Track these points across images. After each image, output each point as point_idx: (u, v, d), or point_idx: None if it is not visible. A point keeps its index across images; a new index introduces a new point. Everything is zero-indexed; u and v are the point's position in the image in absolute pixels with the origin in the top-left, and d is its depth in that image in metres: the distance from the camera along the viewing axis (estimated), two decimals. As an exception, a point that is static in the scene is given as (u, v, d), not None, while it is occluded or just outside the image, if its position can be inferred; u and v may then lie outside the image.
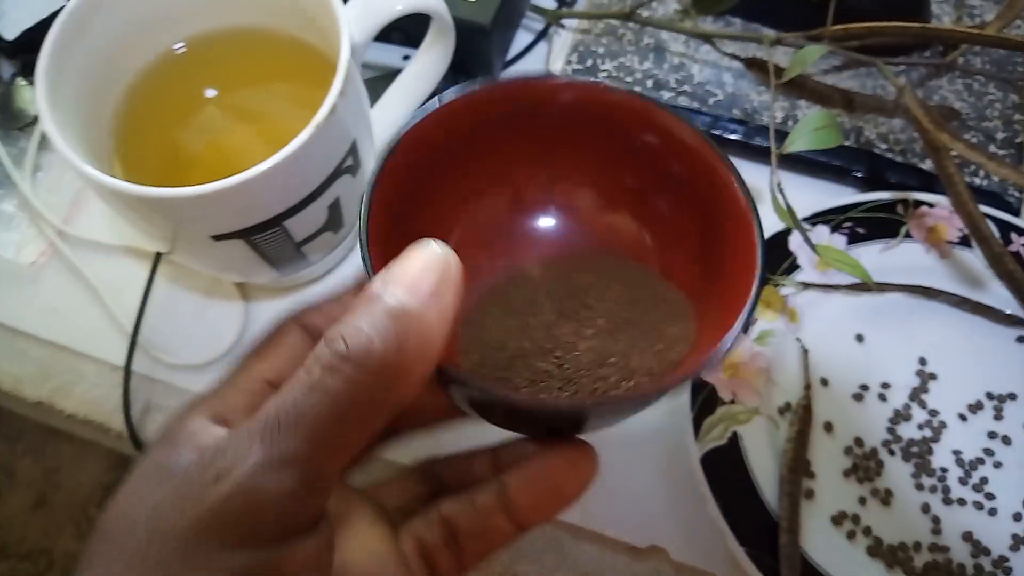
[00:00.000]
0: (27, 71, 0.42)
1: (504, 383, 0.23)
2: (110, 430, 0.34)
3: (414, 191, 0.24)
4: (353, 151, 0.29)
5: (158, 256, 0.35)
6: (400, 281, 0.18)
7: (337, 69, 0.27)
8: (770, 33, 0.37)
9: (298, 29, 0.32)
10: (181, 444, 0.19)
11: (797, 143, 0.29)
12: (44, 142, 0.40)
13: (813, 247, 0.28)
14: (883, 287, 0.34)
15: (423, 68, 0.34)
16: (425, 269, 0.18)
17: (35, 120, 0.41)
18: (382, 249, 0.22)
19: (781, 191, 0.30)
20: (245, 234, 0.28)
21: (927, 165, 0.38)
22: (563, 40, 0.41)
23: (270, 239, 0.29)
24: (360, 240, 0.21)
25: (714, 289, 0.25)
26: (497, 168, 0.26)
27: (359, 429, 0.18)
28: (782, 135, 0.38)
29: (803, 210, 0.35)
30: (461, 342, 0.25)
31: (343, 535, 0.21)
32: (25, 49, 0.41)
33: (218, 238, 0.28)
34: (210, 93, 0.32)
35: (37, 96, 0.27)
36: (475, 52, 0.38)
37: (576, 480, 0.22)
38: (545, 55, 0.43)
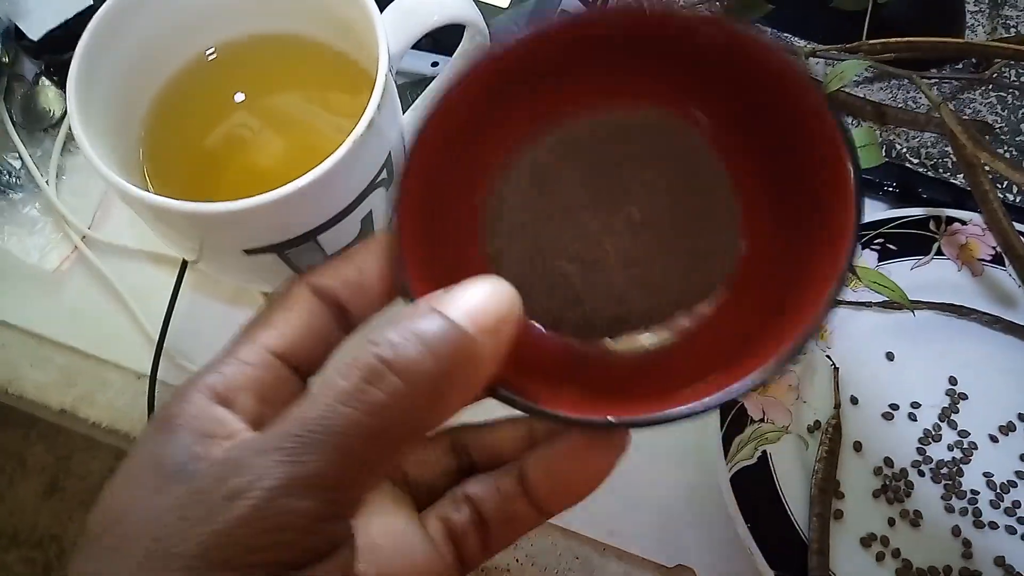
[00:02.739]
0: (51, 71, 0.42)
1: (520, 290, 0.20)
2: (135, 439, 0.34)
3: (447, 159, 0.23)
4: (388, 164, 0.29)
5: (185, 262, 0.35)
6: (462, 306, 0.17)
7: (376, 81, 0.26)
8: (805, 45, 0.37)
9: (331, 36, 0.31)
10: (179, 432, 0.17)
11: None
12: (69, 144, 0.40)
13: (853, 268, 0.28)
14: (915, 305, 0.34)
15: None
16: (490, 301, 0.17)
17: (59, 121, 0.41)
18: (416, 226, 0.21)
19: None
20: (277, 248, 0.28)
21: (959, 180, 0.37)
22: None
23: (302, 252, 0.28)
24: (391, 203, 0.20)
25: (783, 248, 0.22)
26: (543, 106, 0.24)
27: (393, 451, 0.16)
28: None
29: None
30: (487, 218, 0.24)
31: (367, 515, 0.20)
32: (50, 49, 0.41)
33: (250, 252, 0.28)
34: (241, 100, 0.32)
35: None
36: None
37: (598, 467, 0.21)
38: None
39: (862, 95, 0.39)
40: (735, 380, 0.19)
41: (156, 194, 0.30)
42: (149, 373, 0.34)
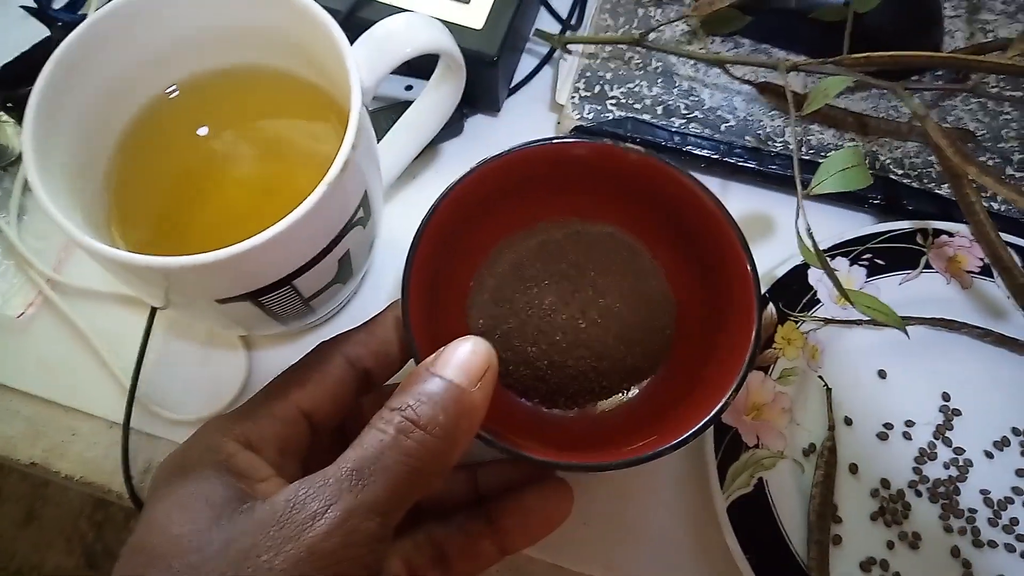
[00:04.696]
0: (8, 106, 0.40)
1: (493, 331, 0.30)
2: (110, 491, 0.33)
3: (445, 241, 0.29)
4: (364, 202, 0.28)
5: (154, 308, 0.34)
6: (455, 364, 0.22)
7: (349, 119, 0.25)
8: (785, 59, 0.36)
9: (299, 67, 0.30)
10: (220, 472, 0.21)
11: (825, 184, 0.28)
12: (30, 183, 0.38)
13: (846, 294, 0.27)
14: (905, 322, 0.34)
15: (431, 105, 0.33)
16: (474, 358, 0.22)
17: (19, 158, 0.39)
18: (420, 304, 0.27)
19: (811, 235, 0.29)
20: (251, 296, 0.26)
21: (944, 190, 0.37)
22: (569, 65, 0.40)
23: (278, 298, 0.27)
24: (403, 302, 0.27)
25: (710, 334, 0.29)
26: (521, 211, 0.32)
27: (424, 485, 0.21)
28: (786, 160, 0.37)
29: (821, 241, 0.34)
30: (471, 300, 0.31)
31: None
32: (6, 84, 0.39)
33: (223, 301, 0.26)
34: (210, 135, 0.31)
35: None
36: (482, 82, 0.37)
37: (558, 511, 0.27)
38: (551, 80, 0.41)
39: (843, 106, 0.39)
40: (669, 438, 0.25)
41: (122, 240, 0.29)
42: (122, 422, 0.33)
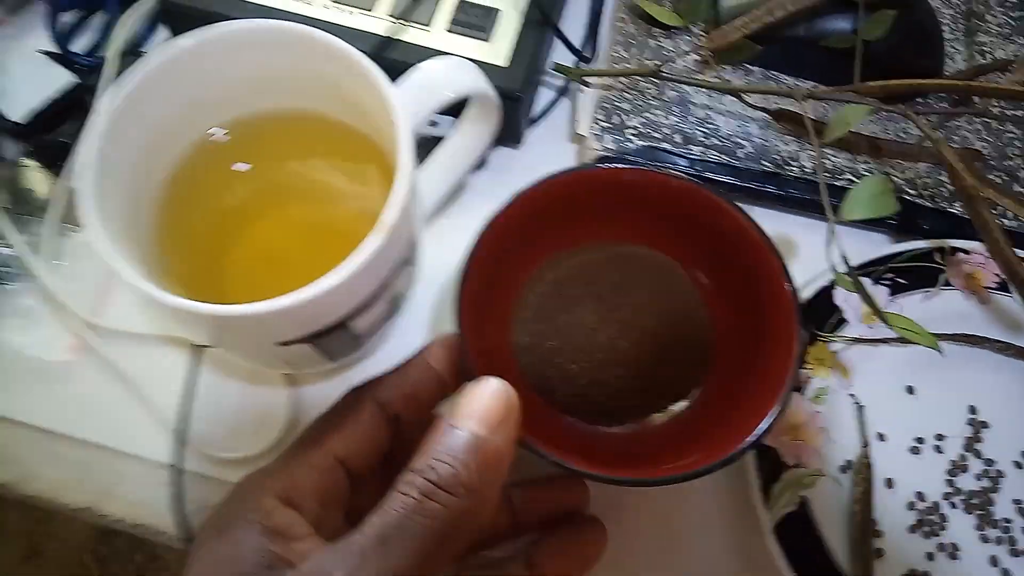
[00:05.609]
0: (34, 151, 0.40)
1: (539, 382, 0.31)
2: (162, 533, 0.33)
3: (491, 265, 0.30)
4: (411, 242, 0.29)
5: (199, 347, 0.34)
6: (472, 415, 0.21)
7: (399, 167, 0.26)
8: (798, 86, 0.38)
9: (341, 112, 0.31)
10: (254, 534, 0.21)
11: (856, 211, 0.30)
12: (62, 228, 0.38)
13: (885, 318, 0.28)
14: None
15: (464, 145, 0.34)
16: (492, 403, 0.22)
17: (48, 204, 0.39)
18: (472, 327, 0.28)
19: (846, 261, 0.30)
20: (310, 339, 0.27)
21: (956, 208, 0.39)
22: (587, 96, 0.41)
23: (332, 338, 0.28)
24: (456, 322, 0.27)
25: (747, 364, 0.30)
26: (563, 233, 0.33)
27: (453, 546, 0.20)
28: (813, 185, 0.39)
29: (841, 262, 0.36)
30: (515, 318, 0.32)
31: None
32: (34, 130, 0.39)
33: (281, 344, 0.27)
34: (253, 179, 0.31)
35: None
36: (506, 117, 0.38)
37: (595, 551, 0.28)
38: (569, 112, 0.43)
39: (855, 129, 0.40)
40: (715, 456, 0.26)
41: (169, 280, 0.29)
42: (168, 462, 0.33)
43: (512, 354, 0.32)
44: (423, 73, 0.29)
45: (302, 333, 0.26)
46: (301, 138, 0.32)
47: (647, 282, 0.33)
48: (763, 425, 0.27)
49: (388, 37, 0.37)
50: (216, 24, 0.28)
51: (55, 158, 0.40)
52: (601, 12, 0.44)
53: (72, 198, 0.39)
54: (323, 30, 0.37)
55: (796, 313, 0.28)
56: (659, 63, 0.42)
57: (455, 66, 0.30)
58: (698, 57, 0.42)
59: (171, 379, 0.34)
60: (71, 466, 0.34)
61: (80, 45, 0.43)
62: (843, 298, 0.35)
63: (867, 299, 0.29)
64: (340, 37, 0.37)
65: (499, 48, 0.38)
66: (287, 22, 0.28)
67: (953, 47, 0.43)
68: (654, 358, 0.32)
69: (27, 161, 0.40)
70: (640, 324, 0.32)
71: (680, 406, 0.32)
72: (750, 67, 0.42)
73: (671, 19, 0.42)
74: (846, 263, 0.29)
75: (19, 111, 0.40)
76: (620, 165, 0.34)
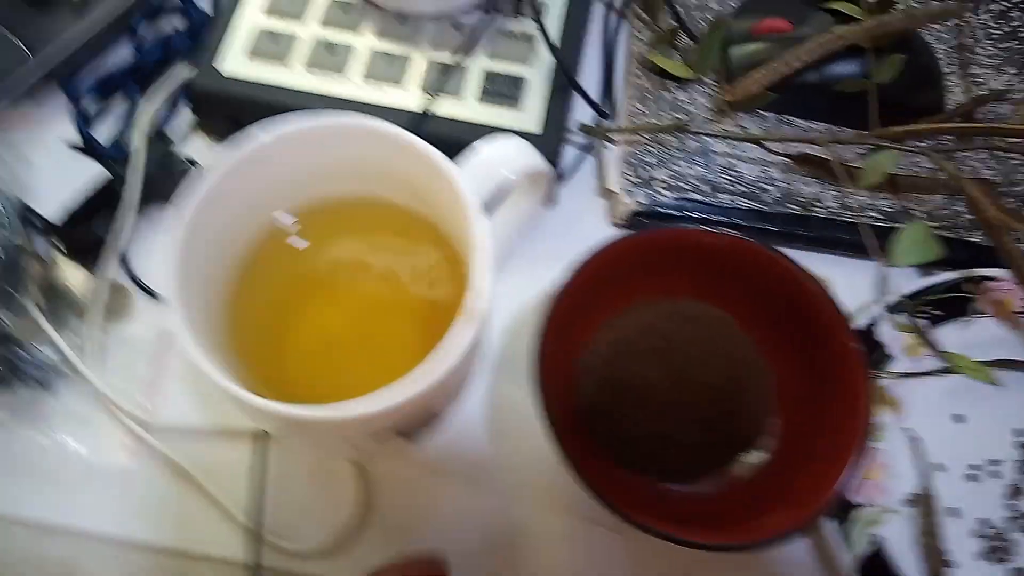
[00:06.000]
0: (70, 249, 0.40)
1: (608, 444, 0.32)
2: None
3: (558, 332, 0.32)
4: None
5: (263, 435, 0.34)
6: None
7: (476, 259, 0.26)
8: (825, 133, 0.39)
9: (404, 198, 0.31)
10: None
11: (906, 258, 0.31)
12: (104, 324, 0.38)
13: (949, 359, 0.29)
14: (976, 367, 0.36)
15: (517, 215, 0.34)
16: None
17: (83, 301, 0.39)
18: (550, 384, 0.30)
19: (910, 300, 0.31)
20: (401, 432, 0.27)
21: (975, 237, 0.40)
22: (612, 153, 0.42)
23: (415, 423, 0.28)
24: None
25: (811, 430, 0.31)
26: (618, 293, 0.34)
27: None
28: (840, 225, 0.40)
29: (877, 299, 0.37)
30: (578, 380, 0.33)
31: None
32: (65, 227, 0.39)
33: (371, 435, 0.27)
34: (321, 265, 0.32)
35: (172, 313, 0.25)
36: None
37: None
38: (593, 168, 0.43)
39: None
40: (797, 512, 0.28)
41: (239, 369, 0.29)
42: (241, 560, 0.33)
43: (579, 419, 0.32)
44: (480, 157, 0.30)
45: (394, 425, 0.27)
46: (366, 223, 0.32)
47: (703, 336, 0.34)
48: (846, 476, 0.27)
49: (423, 112, 0.38)
50: (292, 119, 0.28)
51: (88, 253, 0.40)
52: (613, 68, 0.45)
53: (112, 292, 0.39)
54: (358, 108, 0.38)
55: (863, 365, 0.29)
56: (678, 115, 0.43)
57: (511, 147, 0.30)
58: (713, 106, 0.44)
59: (234, 472, 0.34)
60: (142, 573, 0.33)
61: (103, 131, 0.43)
62: (886, 334, 0.36)
63: (924, 338, 0.31)
64: (377, 115, 0.38)
65: (530, 115, 0.39)
66: (359, 117, 0.29)
67: (950, 80, 0.45)
68: (719, 411, 0.32)
69: (59, 257, 0.40)
70: (702, 379, 0.33)
71: (750, 460, 0.33)
72: (764, 113, 0.44)
73: (684, 72, 0.44)
74: (909, 299, 0.31)
75: (47, 204, 0.39)
76: (679, 227, 0.35)
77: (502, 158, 0.30)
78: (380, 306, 0.32)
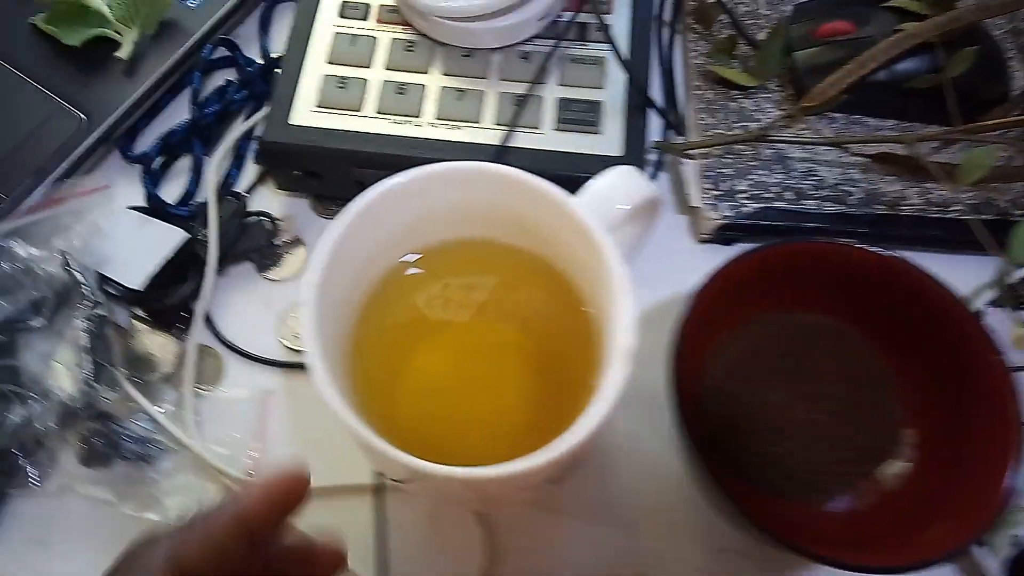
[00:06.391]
0: (151, 315, 0.39)
1: (737, 465, 0.32)
2: None
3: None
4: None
5: (380, 489, 0.33)
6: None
7: (622, 304, 0.26)
8: (909, 131, 0.39)
9: (523, 240, 0.31)
10: None
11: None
12: (197, 389, 0.37)
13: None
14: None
15: (630, 244, 0.33)
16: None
17: (173, 369, 0.38)
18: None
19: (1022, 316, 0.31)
20: (552, 478, 0.26)
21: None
22: (688, 169, 0.42)
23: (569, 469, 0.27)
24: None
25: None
26: (732, 311, 0.33)
27: None
28: (930, 221, 0.40)
29: (970, 291, 0.36)
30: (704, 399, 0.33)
31: None
32: (148, 294, 0.38)
33: (530, 488, 0.26)
34: (442, 304, 0.31)
35: (313, 369, 0.25)
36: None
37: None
38: (668, 184, 0.43)
39: (943, 160, 0.42)
40: (954, 532, 0.27)
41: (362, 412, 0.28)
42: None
43: (705, 444, 0.32)
44: (593, 191, 0.29)
45: (551, 475, 0.26)
46: (480, 263, 0.31)
47: (824, 349, 0.33)
48: (1009, 484, 0.27)
49: (503, 146, 0.37)
50: (427, 165, 0.28)
51: (170, 318, 0.39)
52: (673, 82, 0.45)
53: (200, 356, 0.38)
54: (435, 148, 0.37)
55: (1009, 371, 0.28)
56: (746, 124, 0.43)
57: (623, 178, 0.30)
58: (781, 111, 0.43)
59: (350, 528, 0.33)
60: (271, 642, 0.32)
61: (169, 190, 0.42)
62: (993, 327, 0.36)
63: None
64: (454, 152, 0.37)
65: (611, 138, 0.38)
66: (487, 164, 0.28)
67: (1012, 65, 0.45)
68: (851, 426, 0.32)
69: (138, 325, 0.39)
70: (829, 393, 0.33)
71: (888, 471, 0.32)
72: (833, 115, 0.43)
73: (747, 80, 0.43)
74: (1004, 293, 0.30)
75: (124, 272, 0.38)
76: (798, 240, 0.35)
77: (615, 191, 0.29)
78: (495, 347, 0.32)
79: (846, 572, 0.28)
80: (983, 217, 0.40)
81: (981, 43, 0.44)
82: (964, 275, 0.37)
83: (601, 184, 0.29)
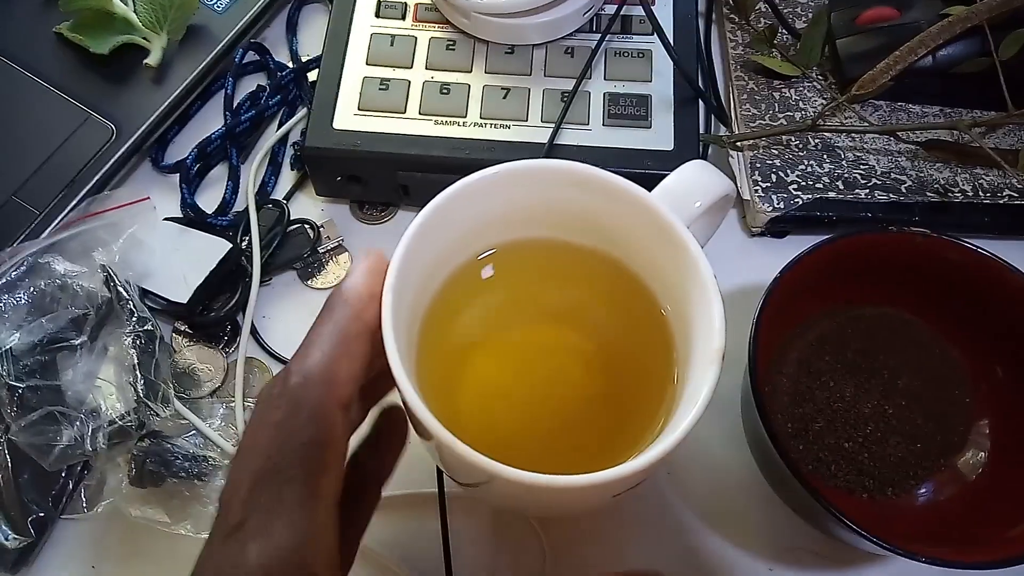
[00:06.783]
0: (197, 330, 0.38)
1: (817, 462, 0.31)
2: None
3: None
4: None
5: (442, 500, 0.32)
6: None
7: (712, 305, 0.25)
8: (964, 117, 0.38)
9: (607, 247, 0.30)
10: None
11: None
12: (245, 402, 0.36)
13: None
14: None
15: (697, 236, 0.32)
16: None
17: (209, 380, 0.37)
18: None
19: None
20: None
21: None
22: (736, 161, 0.41)
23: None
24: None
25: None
26: (793, 307, 0.32)
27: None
28: (985, 207, 0.39)
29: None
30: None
31: None
32: (192, 307, 0.37)
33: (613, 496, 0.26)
34: (508, 306, 0.30)
35: (396, 377, 0.24)
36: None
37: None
38: (716, 178, 0.42)
39: (993, 145, 0.41)
40: None
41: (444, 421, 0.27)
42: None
43: (779, 443, 0.31)
44: (669, 188, 0.28)
45: (639, 481, 0.25)
46: (556, 265, 0.30)
47: (893, 341, 0.33)
48: None
49: (552, 143, 0.36)
50: (502, 165, 0.27)
51: (215, 330, 0.38)
52: (714, 74, 0.44)
53: (247, 367, 0.37)
54: (483, 148, 0.36)
55: None
56: (791, 114, 0.42)
57: (698, 174, 0.29)
58: (824, 100, 0.43)
59: (413, 539, 0.33)
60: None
61: (205, 199, 0.41)
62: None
63: None
64: (501, 151, 0.36)
65: (661, 132, 0.37)
66: (563, 162, 0.27)
67: (1052, 47, 0.45)
68: (925, 417, 0.31)
69: (183, 340, 0.38)
70: (898, 386, 0.32)
71: (965, 462, 0.31)
72: (876, 102, 0.43)
73: (789, 70, 0.43)
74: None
75: (167, 286, 0.37)
76: (870, 230, 0.35)
77: (692, 186, 0.28)
78: (563, 351, 0.31)
79: (922, 566, 0.27)
80: (1035, 201, 0.39)
81: (1025, 25, 0.43)
82: (1016, 261, 0.37)
83: (677, 180, 0.28)
